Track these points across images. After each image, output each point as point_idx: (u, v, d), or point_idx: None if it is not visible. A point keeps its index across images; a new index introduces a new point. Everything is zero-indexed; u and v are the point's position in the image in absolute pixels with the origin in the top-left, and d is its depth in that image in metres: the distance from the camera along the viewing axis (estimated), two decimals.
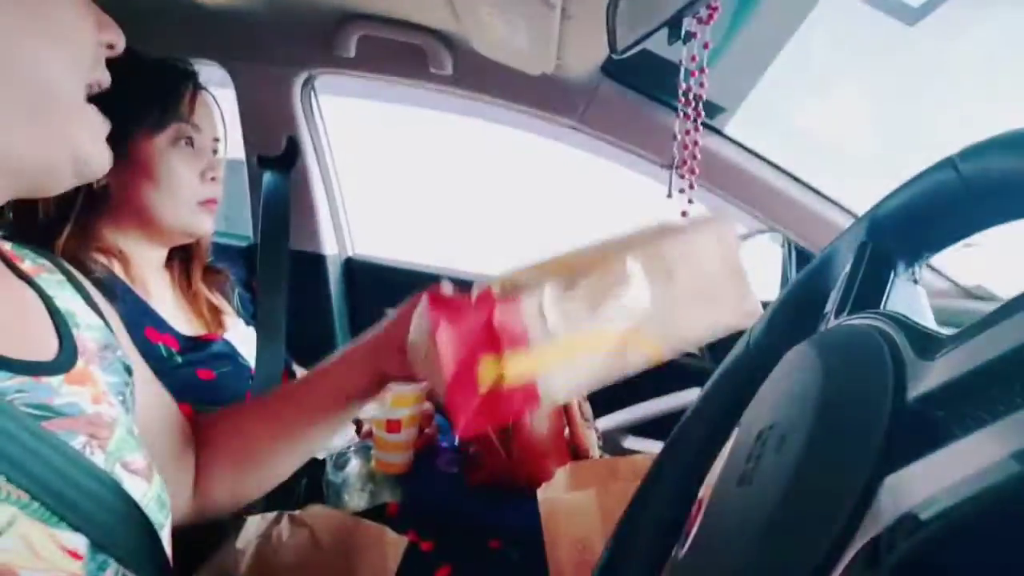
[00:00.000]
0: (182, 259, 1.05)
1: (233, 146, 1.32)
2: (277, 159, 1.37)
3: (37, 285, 0.56)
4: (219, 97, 1.06)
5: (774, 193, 1.21)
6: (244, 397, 0.99)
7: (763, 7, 0.80)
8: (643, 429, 1.33)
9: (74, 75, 0.49)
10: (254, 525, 0.89)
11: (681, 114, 0.95)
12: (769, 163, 1.21)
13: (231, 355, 1.02)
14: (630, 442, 1.33)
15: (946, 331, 0.31)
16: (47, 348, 0.52)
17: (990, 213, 0.35)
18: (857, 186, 1.25)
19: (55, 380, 0.50)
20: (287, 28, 1.19)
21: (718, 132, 1.19)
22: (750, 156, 1.21)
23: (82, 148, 0.50)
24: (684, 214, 0.73)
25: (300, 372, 1.22)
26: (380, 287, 1.50)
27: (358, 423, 1.14)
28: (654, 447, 1.32)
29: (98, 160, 0.52)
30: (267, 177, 1.37)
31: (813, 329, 0.43)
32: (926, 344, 0.28)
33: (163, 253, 1.01)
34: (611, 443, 1.29)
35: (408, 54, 1.20)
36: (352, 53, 1.20)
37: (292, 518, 0.92)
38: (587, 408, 1.10)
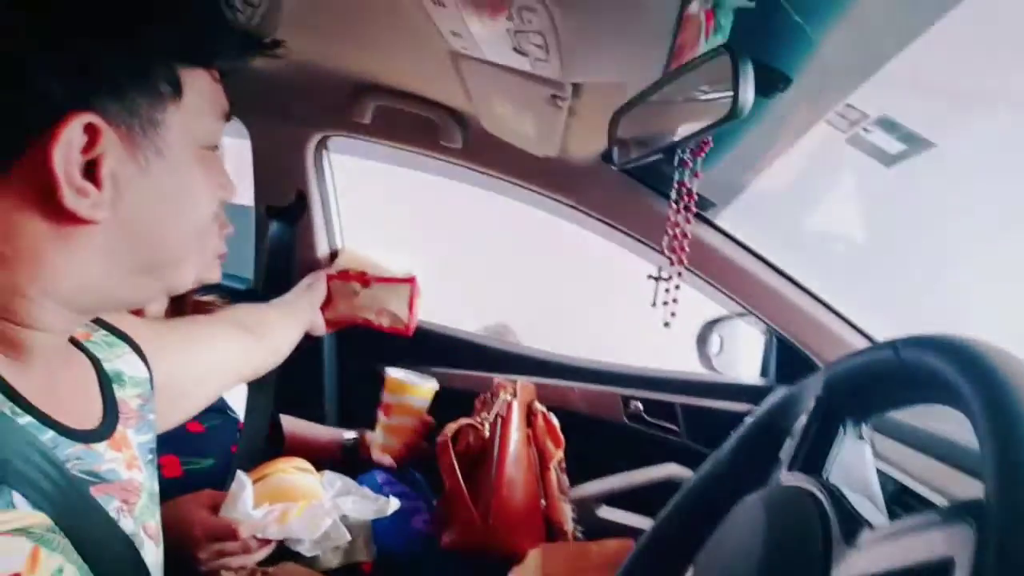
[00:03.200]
0: (175, 305, 1.09)
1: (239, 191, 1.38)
2: (285, 210, 1.42)
3: (87, 350, 0.61)
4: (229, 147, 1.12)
5: (756, 282, 1.27)
6: (230, 450, 1.02)
7: (756, 128, 0.86)
8: (618, 500, 1.36)
9: (197, 239, 0.57)
10: None
11: (674, 204, 1.01)
12: (754, 254, 1.27)
13: (221, 408, 1.05)
14: (604, 511, 1.36)
15: (868, 509, 0.36)
16: (95, 414, 0.57)
17: (922, 395, 0.40)
18: (834, 280, 1.31)
19: (101, 446, 0.54)
20: (308, 91, 1.25)
21: (708, 222, 1.26)
22: (736, 246, 1.27)
23: (181, 284, 0.58)
24: (667, 325, 0.78)
25: (286, 424, 1.25)
26: (370, 341, 1.53)
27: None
28: (627, 518, 1.35)
29: (186, 286, 0.59)
30: (273, 226, 1.42)
31: (770, 462, 0.48)
32: (852, 527, 0.33)
33: (165, 301, 1.05)
34: (585, 512, 1.32)
35: (420, 125, 1.26)
36: (367, 120, 1.26)
37: (265, 574, 0.95)
38: (564, 480, 1.14)
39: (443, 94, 1.19)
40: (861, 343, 1.21)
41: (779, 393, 0.54)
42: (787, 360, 1.34)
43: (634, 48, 0.79)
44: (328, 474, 0.93)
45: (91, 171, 0.45)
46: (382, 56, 1.10)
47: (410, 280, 1.23)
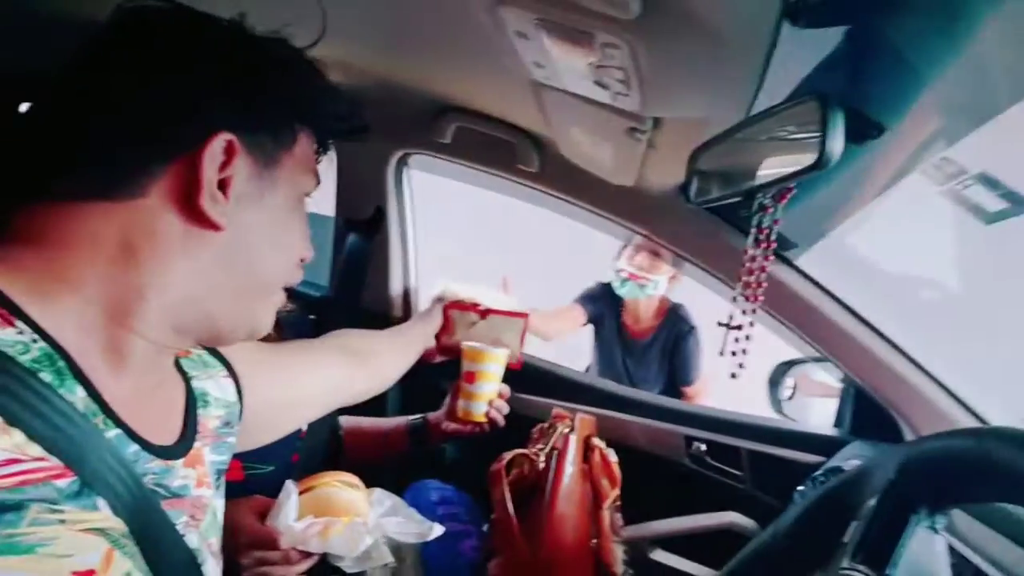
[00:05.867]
0: None
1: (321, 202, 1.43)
2: (364, 223, 1.46)
3: (182, 367, 0.64)
4: None
5: (836, 328, 1.20)
6: (292, 458, 1.04)
7: (846, 173, 0.82)
8: (673, 544, 1.32)
9: (285, 276, 0.63)
10: None
11: (750, 248, 0.97)
12: (836, 299, 1.21)
13: None
14: (658, 555, 1.31)
15: None
16: (174, 430, 0.60)
17: (1009, 495, 0.36)
18: (919, 334, 1.22)
19: (176, 463, 0.57)
20: (392, 110, 1.28)
21: (787, 262, 1.20)
22: (817, 289, 1.21)
23: (263, 323, 0.62)
24: (733, 376, 0.75)
25: (348, 422, 1.26)
26: None
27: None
28: (681, 564, 1.30)
29: (266, 329, 0.63)
30: (351, 239, 1.46)
31: (834, 543, 0.45)
32: None
33: None
34: (638, 554, 1.28)
35: (498, 147, 1.27)
36: (448, 140, 1.28)
37: None
38: (618, 520, 1.10)
39: (522, 118, 1.19)
40: (946, 402, 1.13)
41: (849, 454, 0.50)
42: (864, 412, 1.27)
43: (718, 85, 0.76)
44: (377, 492, 0.94)
45: (222, 187, 0.54)
46: (465, 79, 1.11)
47: (524, 315, 1.28)
